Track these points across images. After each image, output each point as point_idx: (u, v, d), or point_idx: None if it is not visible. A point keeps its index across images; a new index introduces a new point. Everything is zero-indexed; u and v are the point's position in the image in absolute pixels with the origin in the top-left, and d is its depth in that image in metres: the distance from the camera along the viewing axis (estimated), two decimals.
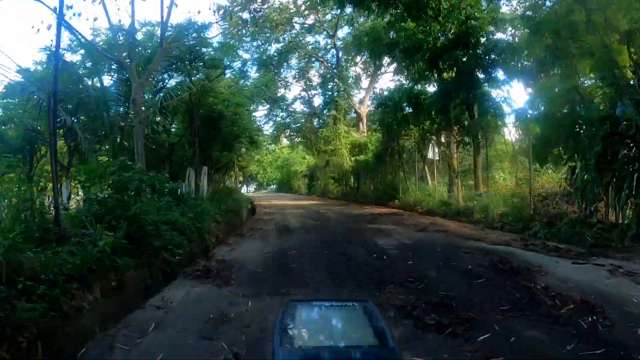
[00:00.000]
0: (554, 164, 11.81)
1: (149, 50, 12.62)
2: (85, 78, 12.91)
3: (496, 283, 4.60)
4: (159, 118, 15.11)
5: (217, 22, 17.97)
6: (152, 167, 12.74)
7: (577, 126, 8.82)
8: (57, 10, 4.75)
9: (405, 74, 17.14)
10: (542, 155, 10.88)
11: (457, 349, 2.92)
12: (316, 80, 33.12)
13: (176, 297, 4.23)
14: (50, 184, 13.41)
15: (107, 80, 13.15)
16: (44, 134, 11.59)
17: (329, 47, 31.55)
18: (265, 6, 25.30)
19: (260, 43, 30.44)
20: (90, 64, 12.87)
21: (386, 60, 23.05)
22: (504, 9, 15.25)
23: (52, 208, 4.86)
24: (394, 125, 17.28)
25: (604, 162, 7.89)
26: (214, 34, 23.14)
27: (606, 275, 5.09)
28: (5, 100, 12.70)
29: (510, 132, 14.16)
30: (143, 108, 11.46)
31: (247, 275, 5.27)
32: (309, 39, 31.77)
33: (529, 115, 11.37)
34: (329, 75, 29.67)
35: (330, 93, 28.39)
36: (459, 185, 14.10)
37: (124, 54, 10.32)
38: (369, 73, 31.78)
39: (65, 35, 11.31)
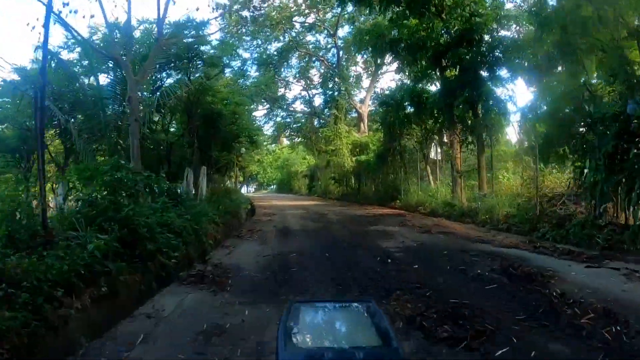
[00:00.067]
0: (559, 164, 11.57)
1: (146, 48, 12.39)
2: (81, 76, 12.71)
3: (509, 289, 4.34)
4: (157, 118, 14.91)
5: (215, 19, 17.70)
6: (150, 167, 12.53)
7: (585, 125, 8.57)
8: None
9: (408, 72, 16.88)
10: (547, 154, 10.65)
11: None
12: (317, 79, 32.95)
13: (168, 305, 3.96)
14: (48, 185, 13.22)
15: (104, 79, 12.94)
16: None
17: (329, 46, 31.35)
18: (265, 4, 25.07)
19: (260, 42, 30.21)
20: (86, 62, 12.65)
21: (388, 59, 22.83)
22: (508, 5, 15.01)
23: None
24: (396, 125, 17.05)
25: (615, 161, 7.64)
26: (213, 32, 22.90)
27: (623, 280, 4.84)
28: (0, 100, 12.48)
29: (516, 131, 13.91)
30: (141, 107, 11.27)
31: (245, 280, 5.01)
32: (310, 38, 31.59)
33: (534, 114, 11.10)
34: (329, 75, 29.44)
35: (330, 92, 28.18)
36: (462, 186, 13.84)
37: (121, 52, 10.09)
38: (369, 72, 31.57)
39: (61, 33, 11.10)
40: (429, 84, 16.43)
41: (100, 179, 5.79)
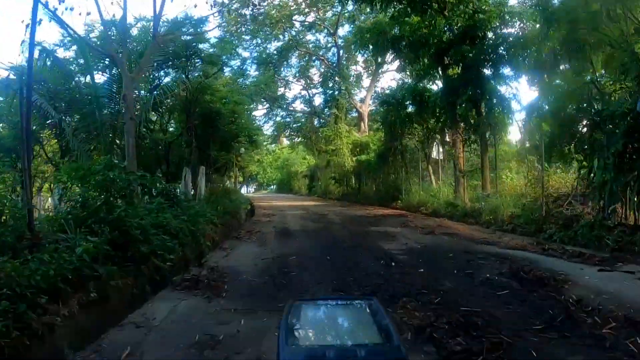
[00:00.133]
0: (563, 163, 11.35)
1: (143, 46, 12.17)
2: (78, 75, 12.51)
3: (522, 295, 4.09)
4: (156, 117, 14.70)
5: (212, 15, 17.49)
6: (148, 167, 12.35)
7: (593, 123, 8.34)
8: None
9: (409, 70, 16.67)
10: (552, 153, 10.42)
11: None
12: (317, 78, 32.71)
13: (160, 313, 3.71)
14: (47, 185, 12.94)
15: (100, 78, 12.74)
16: (35, 133, 11.16)
17: (329, 45, 31.10)
18: (265, 3, 24.81)
19: (259, 41, 29.97)
20: (82, 60, 12.43)
21: (389, 57, 22.62)
22: (512, 1, 14.79)
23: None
24: (397, 124, 16.83)
25: (624, 160, 7.41)
26: (211, 29, 22.66)
27: (639, 284, 4.60)
28: None
29: (520, 130, 13.69)
30: (138, 106, 11.05)
31: (242, 285, 4.77)
32: (310, 37, 31.36)
33: (539, 112, 10.87)
34: (329, 74, 29.21)
35: (331, 91, 27.97)
36: (465, 186, 13.61)
37: (117, 48, 9.88)
38: (370, 72, 31.36)
39: (57, 31, 10.88)
40: (430, 83, 16.25)
41: (92, 178, 5.57)
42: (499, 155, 14.88)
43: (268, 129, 34.82)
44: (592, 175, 8.22)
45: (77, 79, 12.23)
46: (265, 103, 31.69)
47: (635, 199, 7.45)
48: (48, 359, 3.16)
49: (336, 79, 27.81)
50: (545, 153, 10.18)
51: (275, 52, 30.32)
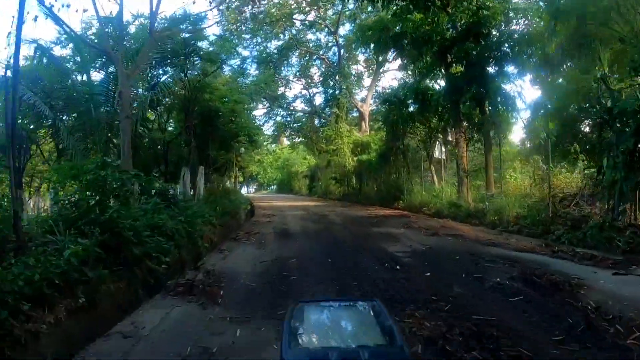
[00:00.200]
0: (569, 163, 11.11)
1: (141, 43, 11.96)
2: (75, 73, 12.30)
3: (537, 302, 3.85)
4: (154, 116, 14.49)
5: (211, 10, 17.30)
6: (147, 166, 12.13)
7: (602, 120, 8.09)
8: None
9: (412, 68, 16.41)
10: (557, 152, 10.19)
11: None
12: (317, 78, 32.47)
13: (150, 321, 3.48)
14: (45, 185, 12.73)
15: (97, 76, 12.53)
16: (31, 132, 10.96)
17: (330, 44, 30.84)
18: (265, 1, 24.60)
19: (260, 40, 29.74)
20: (78, 58, 12.23)
21: (391, 56, 22.39)
22: None
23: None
24: (399, 123, 16.57)
25: (634, 159, 7.17)
26: (210, 25, 22.45)
27: None
28: None
29: (524, 129, 13.44)
30: (135, 104, 10.83)
31: (238, 291, 4.53)
32: (310, 36, 31.11)
33: (545, 110, 10.63)
34: (330, 73, 28.96)
35: (331, 91, 27.73)
36: (468, 186, 13.37)
37: (112, 45, 9.66)
38: (371, 71, 31.11)
39: (53, 28, 10.67)
40: (433, 82, 16.00)
41: (84, 178, 5.35)
42: (502, 154, 14.66)
43: (268, 128, 34.62)
44: (600, 174, 7.98)
45: (73, 77, 12.02)
46: (265, 102, 31.43)
47: None
48: None
49: (337, 78, 27.56)
50: (552, 152, 9.95)
51: (275, 51, 30.11)
